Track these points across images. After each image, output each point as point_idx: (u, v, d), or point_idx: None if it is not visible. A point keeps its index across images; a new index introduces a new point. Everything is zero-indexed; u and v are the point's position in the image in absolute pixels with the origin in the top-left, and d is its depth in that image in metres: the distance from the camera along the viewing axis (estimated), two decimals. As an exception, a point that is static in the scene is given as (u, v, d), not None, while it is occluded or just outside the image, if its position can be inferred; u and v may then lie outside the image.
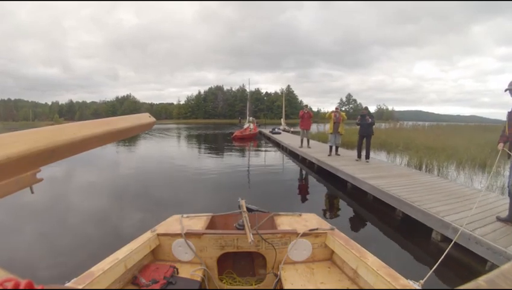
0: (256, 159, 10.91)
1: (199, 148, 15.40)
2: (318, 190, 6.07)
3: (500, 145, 3.05)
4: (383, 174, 5.46)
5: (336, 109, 8.33)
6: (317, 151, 8.89)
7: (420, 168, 7.74)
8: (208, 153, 13.20)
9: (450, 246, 1.85)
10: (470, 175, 6.91)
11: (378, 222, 4.07)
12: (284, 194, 5.61)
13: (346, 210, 4.68)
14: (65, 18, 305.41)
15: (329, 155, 8.21)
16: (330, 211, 4.69)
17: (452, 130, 17.34)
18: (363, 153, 7.33)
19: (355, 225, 4.09)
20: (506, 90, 2.92)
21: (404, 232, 3.66)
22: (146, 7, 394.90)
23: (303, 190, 6.17)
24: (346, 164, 6.66)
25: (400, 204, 3.90)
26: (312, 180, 6.99)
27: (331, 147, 8.43)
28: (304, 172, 8.15)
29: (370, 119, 7.02)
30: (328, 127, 8.68)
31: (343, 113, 8.16)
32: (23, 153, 0.45)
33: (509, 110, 2.99)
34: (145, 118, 0.83)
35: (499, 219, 3.10)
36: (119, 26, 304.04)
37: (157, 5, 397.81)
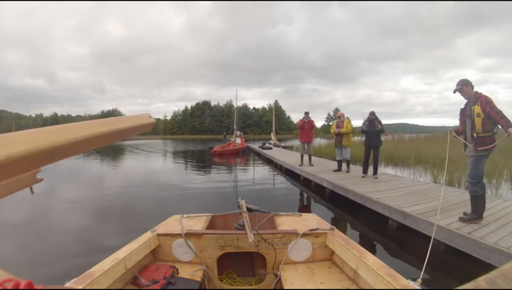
0: (244, 178, 8.96)
1: (174, 166, 13.27)
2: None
3: (452, 132, 3.02)
4: (437, 203, 3.65)
5: (339, 115, 6.70)
6: (324, 171, 6.90)
7: (451, 185, 6.18)
8: (185, 172, 11.10)
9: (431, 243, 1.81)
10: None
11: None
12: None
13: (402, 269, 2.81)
14: (52, 27, 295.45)
15: (334, 171, 6.72)
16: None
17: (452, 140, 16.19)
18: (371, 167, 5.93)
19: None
20: (455, 92, 2.92)
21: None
22: (133, 17, 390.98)
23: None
24: (376, 189, 4.73)
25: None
26: (324, 211, 5.01)
27: (338, 162, 6.86)
28: (305, 196, 6.28)
29: (379, 126, 5.53)
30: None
31: (346, 121, 6.50)
32: (24, 152, 0.44)
33: (462, 107, 3.00)
34: (146, 118, 0.82)
35: (463, 220, 2.94)
36: (106, 37, 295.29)
37: (144, 15, 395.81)
